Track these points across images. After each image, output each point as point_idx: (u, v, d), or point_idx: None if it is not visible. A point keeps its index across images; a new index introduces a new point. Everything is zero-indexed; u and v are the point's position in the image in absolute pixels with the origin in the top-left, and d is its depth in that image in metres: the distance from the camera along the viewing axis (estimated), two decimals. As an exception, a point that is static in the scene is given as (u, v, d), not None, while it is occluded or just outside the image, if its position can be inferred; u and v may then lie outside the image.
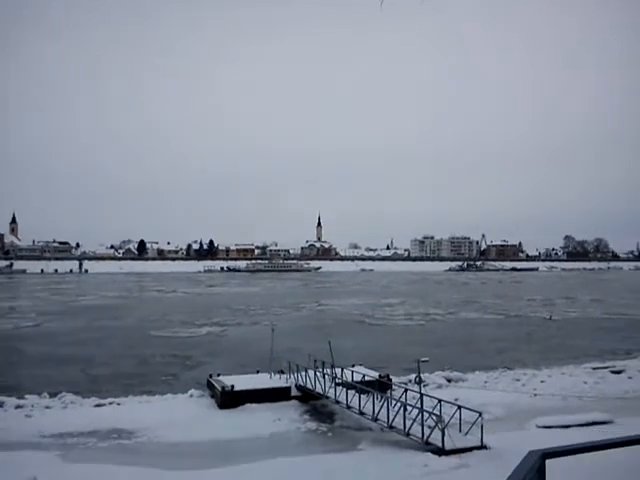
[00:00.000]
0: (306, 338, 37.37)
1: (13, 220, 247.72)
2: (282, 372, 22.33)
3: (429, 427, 15.17)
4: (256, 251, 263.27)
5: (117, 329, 46.24)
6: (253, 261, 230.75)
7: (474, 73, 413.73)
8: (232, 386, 20.25)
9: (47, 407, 20.70)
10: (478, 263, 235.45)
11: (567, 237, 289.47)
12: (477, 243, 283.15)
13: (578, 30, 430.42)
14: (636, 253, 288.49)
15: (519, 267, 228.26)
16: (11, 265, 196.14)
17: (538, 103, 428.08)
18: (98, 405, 20.90)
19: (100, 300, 77.57)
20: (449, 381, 24.52)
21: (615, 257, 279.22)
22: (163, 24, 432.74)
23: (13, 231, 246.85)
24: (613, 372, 26.25)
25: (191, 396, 21.96)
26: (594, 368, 26.90)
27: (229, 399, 19.98)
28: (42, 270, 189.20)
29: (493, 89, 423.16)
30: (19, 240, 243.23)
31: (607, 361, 28.89)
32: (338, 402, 18.49)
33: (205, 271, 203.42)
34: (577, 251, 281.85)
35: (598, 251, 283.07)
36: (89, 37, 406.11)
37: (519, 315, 56.53)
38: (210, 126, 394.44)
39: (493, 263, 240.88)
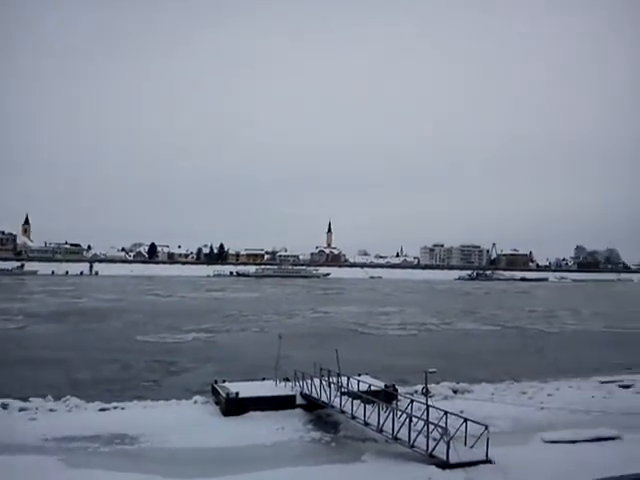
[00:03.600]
0: (294, 346, 36.42)
1: (26, 221, 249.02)
2: (287, 380, 22.21)
3: (434, 439, 14.98)
4: (266, 256, 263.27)
5: (103, 333, 46.42)
6: (262, 266, 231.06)
7: (476, 80, 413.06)
8: (237, 393, 20.10)
9: (51, 410, 20.60)
10: (488, 272, 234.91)
11: (578, 247, 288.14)
12: (487, 252, 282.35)
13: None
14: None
15: (528, 277, 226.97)
16: (22, 266, 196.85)
17: (551, 111, 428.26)
18: (102, 409, 20.79)
19: (94, 303, 77.86)
20: (455, 392, 24.28)
21: (626, 268, 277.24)
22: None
23: (25, 232, 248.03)
24: (621, 386, 25.85)
25: (195, 402, 21.83)
26: (602, 382, 26.51)
27: (233, 406, 19.82)
28: (53, 272, 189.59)
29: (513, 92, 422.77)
30: (31, 241, 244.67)
31: (615, 375, 28.39)
32: (343, 412, 18.31)
33: (214, 275, 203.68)
34: (588, 262, 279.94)
35: (609, 262, 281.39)
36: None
37: (517, 327, 56.26)
38: (225, 132, 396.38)
39: (503, 273, 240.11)
